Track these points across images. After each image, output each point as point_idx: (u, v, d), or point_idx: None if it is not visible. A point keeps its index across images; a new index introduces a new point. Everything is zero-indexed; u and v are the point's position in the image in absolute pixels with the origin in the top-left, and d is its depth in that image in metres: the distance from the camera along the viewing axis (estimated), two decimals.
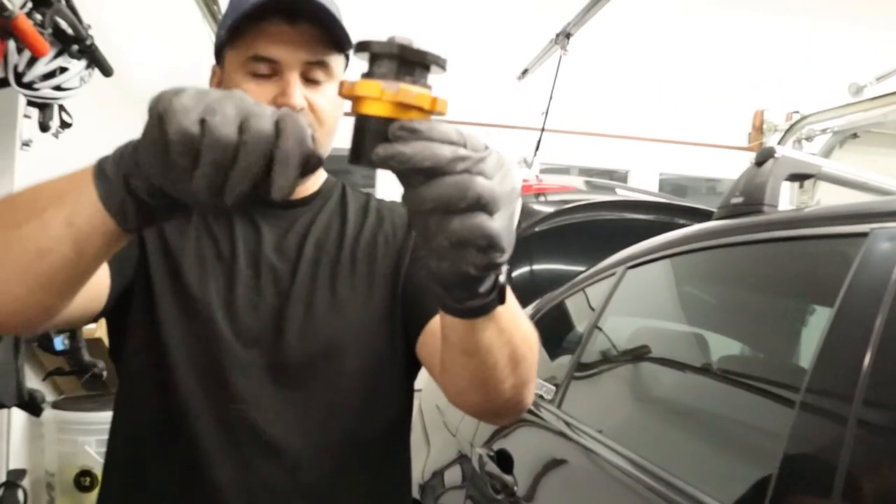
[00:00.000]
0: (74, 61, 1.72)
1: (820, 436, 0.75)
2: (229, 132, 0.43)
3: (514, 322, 0.56)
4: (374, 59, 0.43)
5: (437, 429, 1.83)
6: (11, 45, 1.56)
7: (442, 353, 0.60)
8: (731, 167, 3.33)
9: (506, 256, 0.44)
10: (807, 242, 0.97)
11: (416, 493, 1.78)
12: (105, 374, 2.08)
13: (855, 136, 3.17)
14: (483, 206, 0.42)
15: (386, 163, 0.42)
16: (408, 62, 0.43)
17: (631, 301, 1.48)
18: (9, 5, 1.39)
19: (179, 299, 0.72)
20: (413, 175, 0.42)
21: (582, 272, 1.69)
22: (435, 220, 0.42)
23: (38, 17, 1.57)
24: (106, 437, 0.79)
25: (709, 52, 3.37)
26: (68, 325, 0.64)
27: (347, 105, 0.82)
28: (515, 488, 1.29)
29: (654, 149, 3.96)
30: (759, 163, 1.26)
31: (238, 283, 0.74)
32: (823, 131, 3.24)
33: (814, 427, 0.77)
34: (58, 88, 1.71)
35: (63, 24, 1.65)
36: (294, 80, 0.71)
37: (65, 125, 1.93)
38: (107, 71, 1.85)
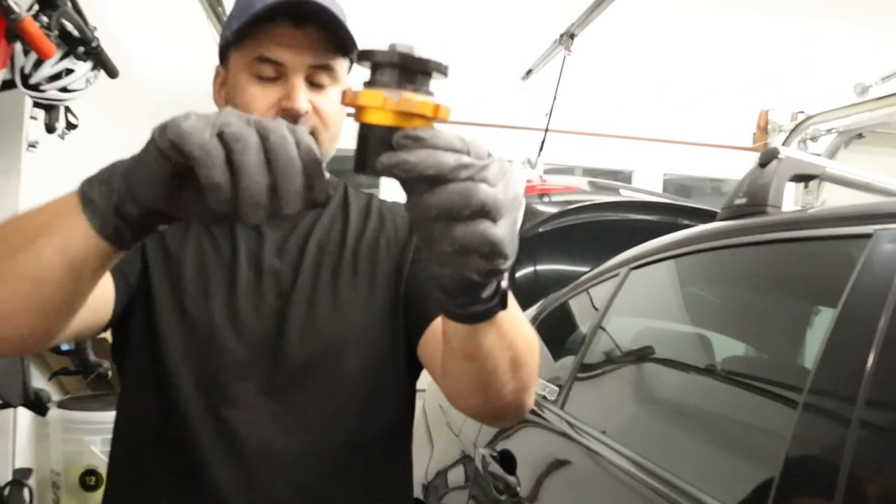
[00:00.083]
0: (80, 63, 1.74)
1: (823, 437, 0.75)
2: (252, 136, 0.43)
3: (516, 327, 0.56)
4: (375, 68, 0.44)
5: (441, 429, 1.83)
6: (18, 47, 1.57)
7: (443, 356, 0.61)
8: (736, 167, 3.32)
9: (509, 263, 0.45)
10: (810, 244, 0.97)
11: (419, 493, 1.78)
12: (110, 373, 2.09)
13: (860, 136, 3.16)
14: (486, 213, 0.42)
15: (390, 171, 0.42)
16: (409, 70, 0.43)
17: (634, 302, 1.48)
18: (15, 8, 1.40)
19: (180, 303, 0.73)
20: (417, 183, 0.42)
21: (586, 273, 1.69)
22: (439, 227, 0.42)
23: (45, 19, 1.58)
24: (111, 436, 0.79)
25: (713, 51, 3.36)
26: (76, 339, 0.65)
27: (350, 108, 0.82)
28: (518, 489, 1.29)
29: (659, 149, 3.95)
30: (763, 164, 1.26)
31: (239, 284, 0.74)
32: (828, 131, 3.24)
33: (817, 428, 0.76)
34: (64, 90, 1.72)
35: (69, 27, 1.67)
36: (299, 83, 0.72)
37: (71, 126, 1.94)
38: (112, 72, 1.86)
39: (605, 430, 1.20)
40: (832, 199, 2.72)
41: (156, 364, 0.72)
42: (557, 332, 1.73)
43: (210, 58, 0.81)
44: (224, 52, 0.77)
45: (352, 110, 0.45)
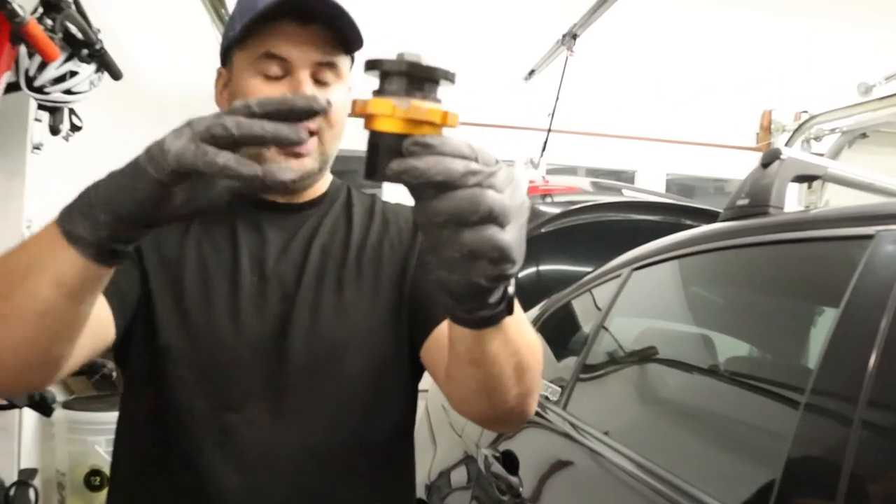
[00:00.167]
0: (84, 65, 1.75)
1: (825, 437, 0.75)
2: (229, 119, 0.46)
3: (521, 332, 0.56)
4: (384, 77, 0.44)
5: (444, 429, 1.83)
6: (22, 49, 1.58)
7: (448, 361, 0.61)
8: (739, 167, 3.31)
9: (516, 268, 0.45)
10: (812, 244, 0.97)
11: (422, 494, 1.78)
12: (115, 374, 2.09)
13: (864, 135, 3.15)
14: (494, 218, 0.43)
15: (400, 178, 0.43)
16: (418, 78, 0.44)
17: (636, 302, 1.48)
18: (20, 11, 1.41)
19: (181, 307, 0.73)
20: (426, 189, 0.43)
21: (588, 273, 1.69)
22: (447, 233, 0.43)
23: (49, 22, 1.59)
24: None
25: (716, 51, 3.35)
26: (82, 367, 0.67)
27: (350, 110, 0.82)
28: (521, 489, 1.30)
29: (661, 149, 3.94)
30: (765, 164, 1.26)
31: (242, 288, 0.74)
32: (832, 131, 3.22)
33: (819, 428, 0.77)
34: (68, 92, 1.73)
35: (73, 29, 1.67)
36: (306, 79, 0.72)
37: (75, 128, 1.95)
38: (116, 74, 1.87)
39: (607, 430, 1.20)
40: (836, 199, 2.72)
41: (157, 368, 0.72)
42: (560, 333, 1.73)
43: (213, 59, 0.81)
44: (226, 54, 0.77)
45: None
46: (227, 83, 0.78)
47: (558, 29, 2.79)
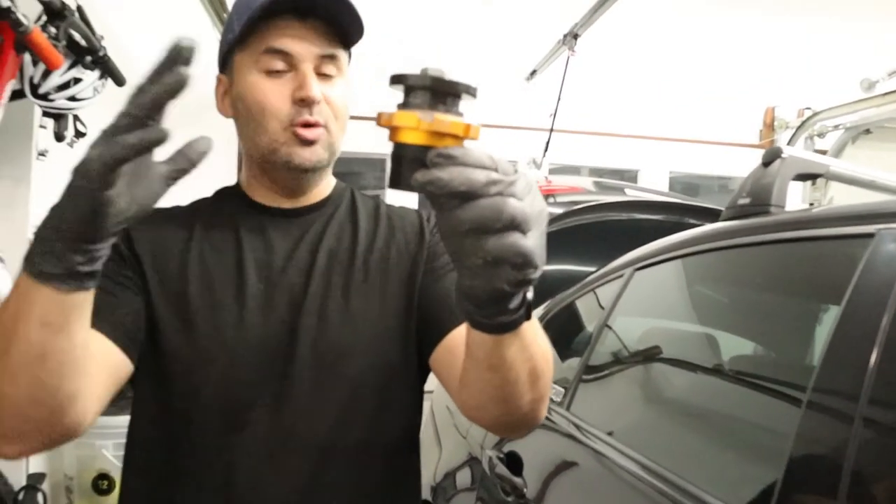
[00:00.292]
0: (88, 72, 1.76)
1: (826, 435, 0.75)
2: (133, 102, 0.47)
3: (535, 338, 0.57)
4: (409, 91, 0.46)
5: (448, 431, 1.84)
6: (27, 57, 1.59)
7: (465, 368, 0.61)
8: (743, 164, 3.30)
9: (538, 273, 0.46)
10: (813, 243, 0.97)
11: (427, 495, 1.79)
12: None
13: (868, 131, 3.14)
14: (517, 225, 0.44)
15: (424, 188, 0.44)
16: (441, 92, 0.46)
17: (638, 303, 1.48)
18: (24, 20, 1.43)
19: (185, 319, 0.72)
20: (449, 199, 0.44)
21: (592, 273, 1.69)
22: (470, 241, 0.44)
23: (53, 30, 1.60)
24: (123, 440, 0.80)
25: (719, 49, 3.35)
26: (110, 403, 0.70)
27: (353, 105, 0.83)
28: (525, 490, 1.30)
29: (664, 147, 3.94)
30: (766, 163, 1.26)
31: (248, 296, 0.74)
32: (835, 127, 3.21)
33: (820, 426, 0.77)
34: (72, 99, 1.74)
35: (76, 36, 1.69)
36: (310, 71, 0.73)
37: (79, 135, 1.96)
38: (120, 81, 1.88)
39: (611, 431, 1.20)
40: (840, 196, 2.71)
41: (165, 378, 0.73)
42: (563, 333, 1.73)
43: (216, 65, 0.82)
44: (225, 59, 0.78)
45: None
46: (227, 90, 0.78)
47: (559, 29, 2.79)
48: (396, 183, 0.46)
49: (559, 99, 2.71)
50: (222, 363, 0.72)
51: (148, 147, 0.47)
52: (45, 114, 1.81)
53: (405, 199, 0.78)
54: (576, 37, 2.73)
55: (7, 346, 0.54)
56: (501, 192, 0.44)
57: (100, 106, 1.87)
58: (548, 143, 2.76)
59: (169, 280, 0.74)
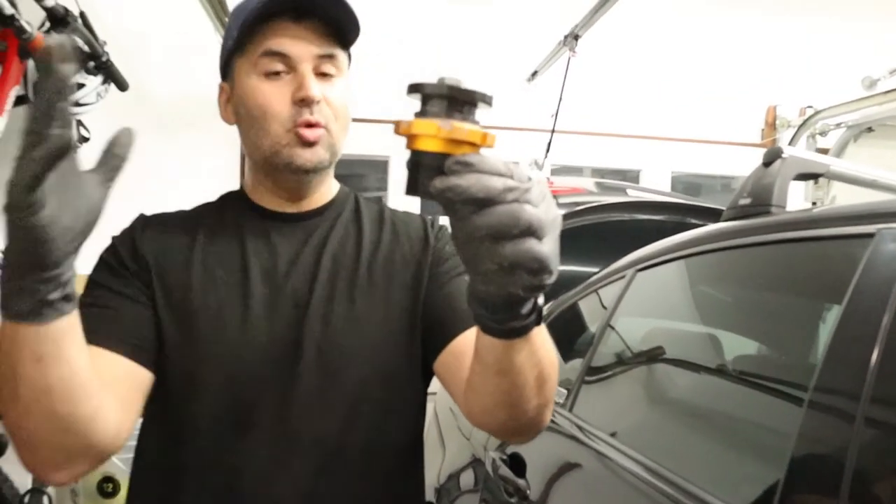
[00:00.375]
0: (91, 77, 1.77)
1: (827, 434, 0.75)
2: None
3: (543, 343, 0.58)
4: (426, 100, 0.47)
5: (452, 433, 1.84)
6: (31, 63, 1.61)
7: (472, 372, 0.62)
8: (745, 164, 3.29)
9: (553, 278, 0.47)
10: (814, 244, 0.97)
11: (431, 497, 1.79)
12: None
13: (870, 130, 3.13)
14: (533, 231, 0.45)
15: (442, 194, 0.45)
16: (458, 101, 0.47)
17: (640, 303, 1.48)
18: (28, 28, 1.44)
19: (190, 325, 0.73)
20: (465, 206, 0.45)
21: (594, 274, 1.69)
22: (486, 247, 0.45)
23: (56, 36, 1.61)
24: (129, 443, 0.80)
25: (720, 48, 3.35)
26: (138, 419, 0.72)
27: (354, 107, 0.83)
28: (528, 492, 1.30)
29: (666, 147, 3.94)
30: (767, 163, 1.26)
31: (253, 300, 0.74)
32: (837, 126, 3.21)
33: (822, 426, 0.77)
34: (75, 104, 1.76)
35: (80, 42, 1.70)
36: (308, 72, 0.73)
37: (83, 139, 1.97)
38: (122, 86, 1.90)
39: (613, 432, 1.20)
40: (842, 195, 2.70)
41: (172, 384, 0.73)
42: (566, 334, 1.74)
43: (218, 70, 0.83)
44: (226, 67, 0.78)
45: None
46: (229, 97, 0.79)
47: (560, 30, 2.80)
48: (414, 190, 0.47)
49: (560, 100, 2.71)
50: (228, 367, 0.72)
51: (57, 154, 0.45)
52: None
53: (407, 204, 0.78)
54: (576, 38, 2.73)
55: (15, 388, 0.56)
56: (518, 198, 0.45)
57: (103, 111, 1.89)
58: (549, 144, 2.76)
59: (174, 284, 0.74)
